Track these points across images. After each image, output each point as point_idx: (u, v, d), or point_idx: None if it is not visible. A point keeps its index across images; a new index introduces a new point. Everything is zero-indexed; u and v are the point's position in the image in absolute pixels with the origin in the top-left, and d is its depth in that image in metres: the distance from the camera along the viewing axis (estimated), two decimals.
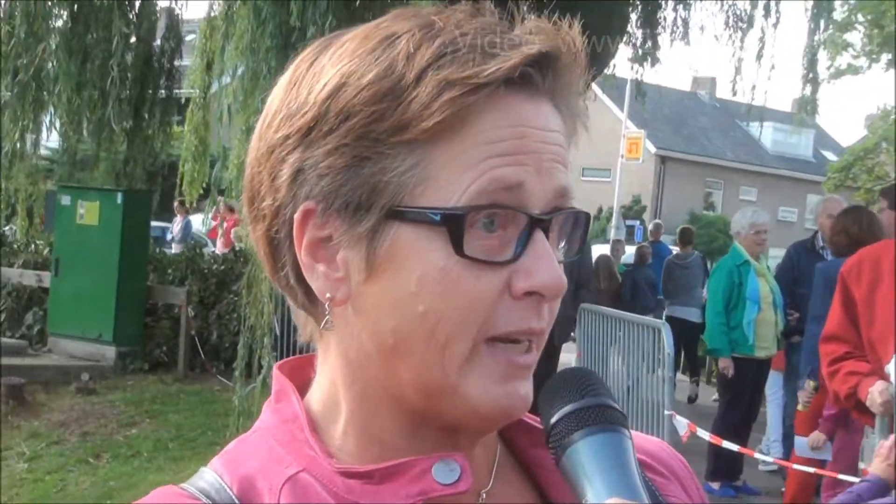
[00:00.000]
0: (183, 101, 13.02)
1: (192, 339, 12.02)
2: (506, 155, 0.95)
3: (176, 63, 12.54)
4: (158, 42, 12.41)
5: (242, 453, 1.04)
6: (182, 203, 17.16)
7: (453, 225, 0.94)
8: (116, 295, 12.04)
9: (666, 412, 6.59)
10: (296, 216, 0.98)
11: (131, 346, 12.10)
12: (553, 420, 0.96)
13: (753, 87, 11.72)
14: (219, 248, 17.15)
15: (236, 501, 0.99)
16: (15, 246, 14.44)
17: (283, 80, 1.03)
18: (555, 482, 1.03)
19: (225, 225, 16.09)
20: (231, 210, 15.78)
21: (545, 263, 0.96)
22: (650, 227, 21.76)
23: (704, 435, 6.85)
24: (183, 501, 0.99)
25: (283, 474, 0.99)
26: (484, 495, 1.04)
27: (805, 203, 45.40)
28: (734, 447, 6.63)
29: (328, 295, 0.99)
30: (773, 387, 9.41)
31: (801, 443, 6.64)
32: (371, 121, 0.94)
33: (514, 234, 0.96)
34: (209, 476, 1.02)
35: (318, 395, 1.06)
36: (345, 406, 1.03)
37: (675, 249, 14.88)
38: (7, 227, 17.62)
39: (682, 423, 6.54)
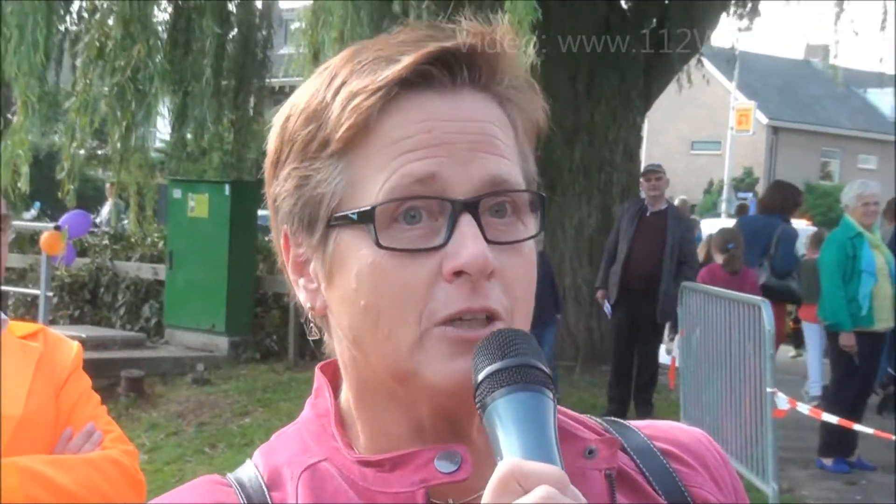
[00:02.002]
0: (276, 88, 13.21)
1: (301, 327, 12.13)
2: (415, 150, 1.01)
3: (268, 52, 12.79)
4: (261, 33, 12.63)
5: (278, 445, 1.14)
6: None
7: (369, 221, 1.01)
8: (227, 286, 12.26)
9: (768, 389, 6.47)
10: (280, 242, 1.10)
11: (243, 336, 12.31)
12: (478, 379, 0.97)
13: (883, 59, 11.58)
14: None
15: (265, 488, 1.09)
16: (132, 240, 14.81)
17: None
18: None
19: None
20: None
21: (467, 243, 0.99)
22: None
23: (804, 409, 6.71)
24: (217, 488, 1.10)
25: (305, 463, 1.09)
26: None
27: None
28: (833, 419, 6.49)
29: (309, 305, 1.09)
30: (812, 337, 10.55)
31: None
32: (306, 143, 1.05)
33: (444, 221, 1.01)
34: (249, 467, 1.13)
35: (343, 395, 1.14)
36: (352, 404, 1.11)
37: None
38: (124, 222, 18.12)
39: (783, 399, 6.41)
